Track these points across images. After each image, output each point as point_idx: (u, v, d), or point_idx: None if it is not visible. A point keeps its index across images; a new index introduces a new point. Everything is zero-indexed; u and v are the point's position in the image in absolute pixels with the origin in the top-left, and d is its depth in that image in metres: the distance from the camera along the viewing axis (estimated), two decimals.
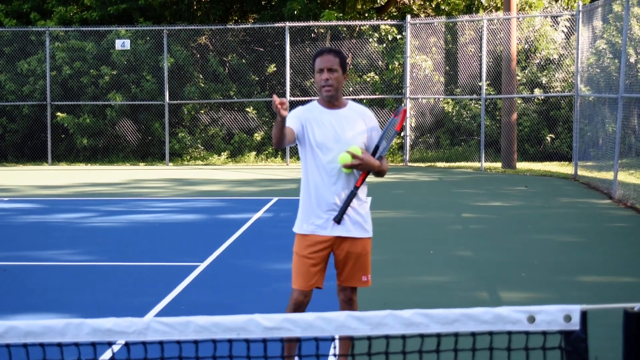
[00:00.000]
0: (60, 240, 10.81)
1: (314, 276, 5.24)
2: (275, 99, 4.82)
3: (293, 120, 5.21)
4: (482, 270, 8.82)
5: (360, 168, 5.14)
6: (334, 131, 5.19)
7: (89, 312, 7.13)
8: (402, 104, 21.72)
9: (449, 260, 9.36)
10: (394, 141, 24.05)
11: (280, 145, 5.12)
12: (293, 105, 21.80)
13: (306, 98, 22.18)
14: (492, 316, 2.81)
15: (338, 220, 5.16)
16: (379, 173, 5.30)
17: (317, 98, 5.39)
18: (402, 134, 21.73)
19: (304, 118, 5.24)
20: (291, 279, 5.32)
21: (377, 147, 5.28)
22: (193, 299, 7.60)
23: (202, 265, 8.98)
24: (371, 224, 5.36)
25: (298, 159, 21.70)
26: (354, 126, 5.24)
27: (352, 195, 5.18)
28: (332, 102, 5.27)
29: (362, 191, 5.26)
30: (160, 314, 7.03)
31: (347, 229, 5.21)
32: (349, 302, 5.35)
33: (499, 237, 10.86)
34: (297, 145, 5.30)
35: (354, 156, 5.09)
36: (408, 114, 21.37)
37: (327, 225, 5.20)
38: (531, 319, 2.77)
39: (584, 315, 2.75)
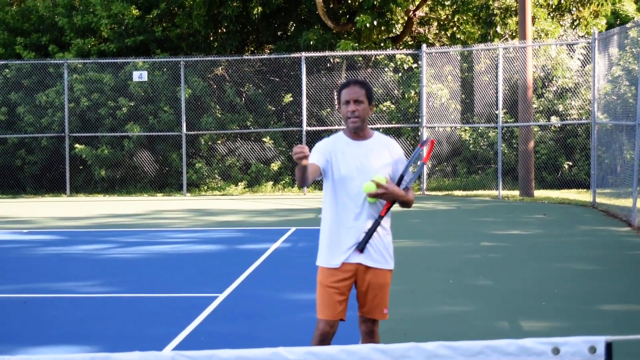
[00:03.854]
0: (79, 272, 10.83)
1: (339, 306, 5.24)
2: (295, 150, 4.82)
3: (317, 155, 5.23)
4: (501, 299, 8.78)
5: (385, 197, 5.13)
6: (359, 162, 5.20)
7: (108, 343, 7.13)
8: (419, 133, 21.75)
9: (468, 290, 9.32)
10: (411, 169, 23.92)
11: (305, 184, 5.11)
12: (309, 135, 21.87)
13: (323, 128, 22.25)
14: (516, 348, 2.80)
15: (361, 249, 5.16)
16: (405, 203, 5.28)
17: (343, 128, 5.40)
18: (418, 162, 21.74)
19: (329, 152, 5.25)
20: (315, 309, 5.32)
21: (401, 177, 5.28)
22: (213, 330, 7.59)
23: (221, 296, 8.98)
24: (393, 256, 5.36)
25: (315, 188, 21.83)
26: (379, 157, 5.25)
27: (376, 224, 5.18)
28: (358, 133, 5.27)
29: (386, 221, 5.27)
30: (180, 345, 7.03)
31: (371, 257, 5.21)
32: (370, 334, 5.35)
33: (518, 266, 10.81)
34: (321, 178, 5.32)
35: (378, 185, 5.07)
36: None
37: (351, 254, 5.20)
38: (555, 351, 2.76)
39: (609, 346, 2.73)
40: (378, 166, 5.23)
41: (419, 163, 5.48)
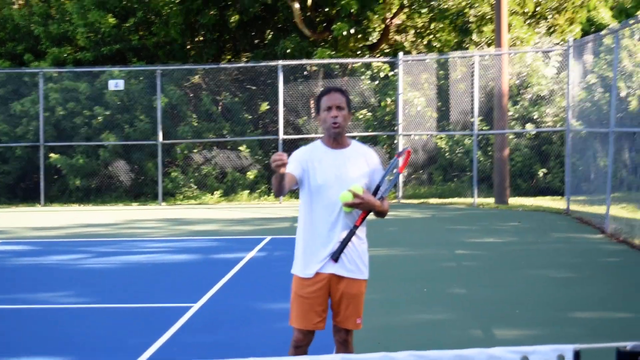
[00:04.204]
0: (54, 282, 10.77)
1: (313, 316, 5.24)
2: (274, 157, 4.78)
3: (294, 164, 5.22)
4: (476, 307, 8.80)
5: (361, 207, 5.13)
6: (337, 170, 5.20)
7: (82, 354, 7.09)
8: (395, 141, 21.79)
9: (442, 298, 9.34)
10: (386, 178, 23.91)
11: (281, 193, 5.09)
12: (286, 143, 21.87)
13: (299, 136, 22.26)
14: (486, 357, 2.81)
15: (336, 258, 5.16)
16: (380, 213, 5.29)
17: (320, 136, 5.41)
18: (394, 170, 21.75)
19: (306, 160, 5.25)
20: (289, 318, 5.32)
21: (378, 187, 5.29)
22: (187, 340, 7.56)
23: (196, 306, 8.95)
24: (368, 266, 5.36)
25: (291, 197, 21.81)
26: (356, 166, 5.26)
27: (351, 233, 5.18)
28: (338, 140, 5.28)
29: (362, 230, 5.28)
30: (154, 355, 7.00)
31: (345, 267, 5.22)
32: (344, 344, 5.35)
33: (493, 274, 10.84)
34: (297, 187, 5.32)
35: (355, 195, 5.08)
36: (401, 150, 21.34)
37: (325, 264, 5.20)
38: (525, 359, 2.77)
39: (577, 354, 2.75)
40: (355, 175, 5.23)
41: (394, 171, 5.49)
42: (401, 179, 21.57)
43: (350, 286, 5.25)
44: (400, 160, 5.44)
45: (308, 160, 5.24)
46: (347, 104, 5.28)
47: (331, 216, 5.19)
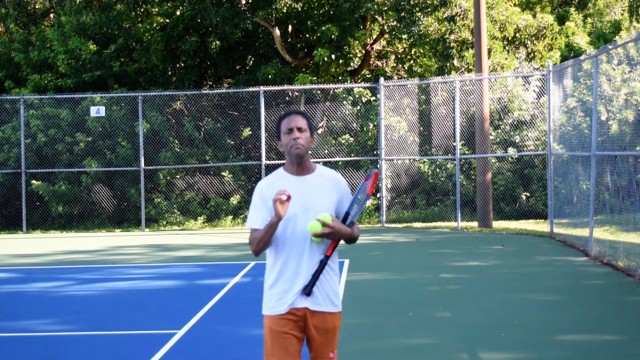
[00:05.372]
0: (36, 310, 10.68)
1: (293, 348, 5.00)
2: (278, 196, 4.78)
3: (262, 211, 5.05)
4: (461, 331, 8.79)
5: (330, 237, 4.94)
6: (303, 200, 5.00)
7: None
8: (377, 166, 21.82)
9: (428, 322, 9.32)
10: (370, 202, 24.18)
11: (266, 247, 5.03)
12: (268, 168, 21.85)
13: (281, 161, 22.24)
14: None
15: (308, 292, 4.97)
16: (350, 240, 5.08)
17: (284, 163, 5.22)
18: (377, 194, 21.77)
19: (269, 198, 5.03)
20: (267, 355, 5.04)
21: (347, 214, 5.09)
22: None
23: (180, 333, 8.89)
24: (340, 298, 5.17)
25: None
26: (323, 193, 5.06)
27: (323, 265, 4.98)
28: (301, 164, 5.06)
29: (333, 260, 5.11)
30: None
31: (317, 302, 5.02)
32: None
33: (478, 298, 10.84)
34: None
35: (324, 224, 4.90)
36: (384, 175, 21.42)
37: (297, 298, 5.00)
38: None
39: None
40: (323, 203, 5.03)
41: (363, 195, 5.29)
42: (384, 203, 21.59)
43: (323, 321, 5.05)
44: (368, 184, 5.27)
45: (271, 197, 4.98)
46: (308, 126, 5.06)
47: (301, 248, 4.99)
